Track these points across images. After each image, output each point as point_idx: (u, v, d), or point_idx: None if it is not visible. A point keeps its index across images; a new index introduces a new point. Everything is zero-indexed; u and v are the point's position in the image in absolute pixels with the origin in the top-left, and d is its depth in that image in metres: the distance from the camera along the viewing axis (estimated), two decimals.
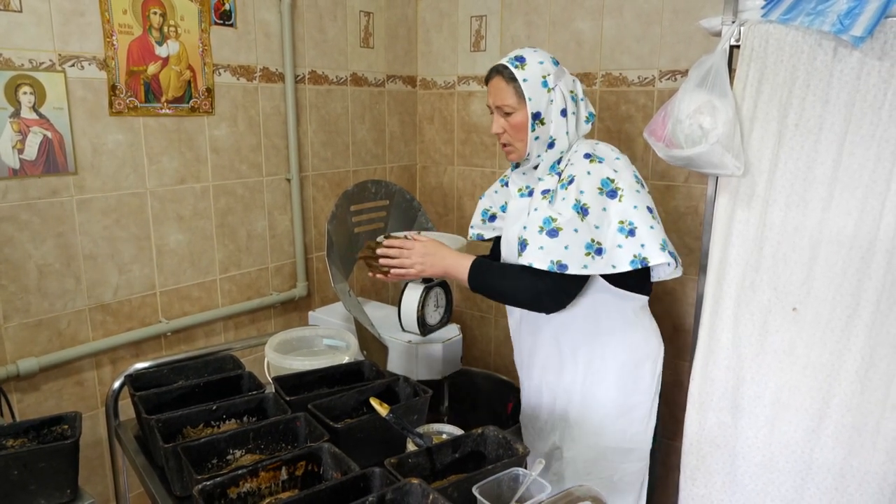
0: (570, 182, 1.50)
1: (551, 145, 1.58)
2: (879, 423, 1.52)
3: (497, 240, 1.87)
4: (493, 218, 1.85)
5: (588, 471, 1.69)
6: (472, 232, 1.91)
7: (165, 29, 2.00)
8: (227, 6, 2.16)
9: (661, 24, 2.29)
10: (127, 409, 1.45)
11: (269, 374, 1.59)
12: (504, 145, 1.62)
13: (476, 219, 1.88)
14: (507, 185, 1.79)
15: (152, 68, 1.98)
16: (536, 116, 1.54)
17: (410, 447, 1.24)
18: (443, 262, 1.63)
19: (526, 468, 1.13)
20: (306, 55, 2.44)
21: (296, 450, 1.12)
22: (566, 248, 1.45)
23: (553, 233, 1.45)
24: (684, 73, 2.26)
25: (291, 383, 1.41)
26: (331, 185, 2.62)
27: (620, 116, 2.44)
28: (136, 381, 1.42)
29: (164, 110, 2.03)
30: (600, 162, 1.53)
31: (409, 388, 1.43)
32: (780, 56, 1.55)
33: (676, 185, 2.36)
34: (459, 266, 1.61)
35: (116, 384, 1.45)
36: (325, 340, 1.77)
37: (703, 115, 1.56)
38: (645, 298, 1.68)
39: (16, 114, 1.72)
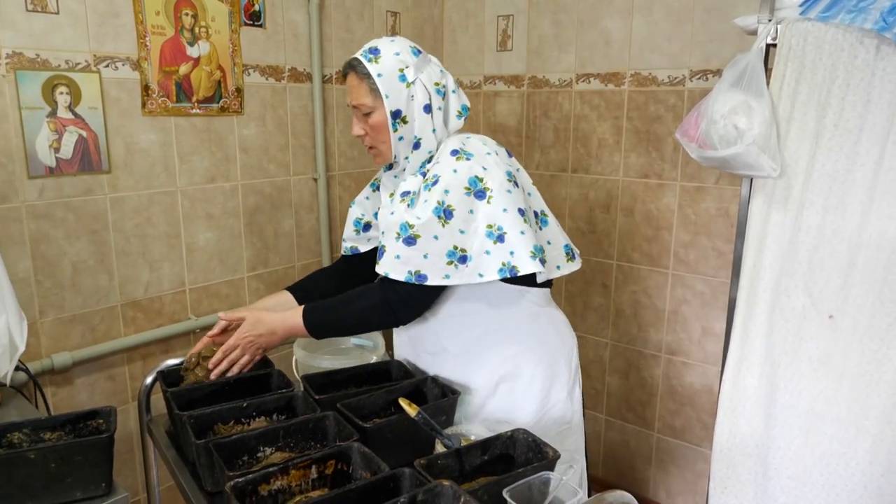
0: (435, 182, 1.35)
1: (417, 145, 1.42)
2: None
3: (365, 254, 1.66)
4: (367, 227, 1.65)
5: None
6: (345, 246, 1.69)
7: (197, 30, 2.02)
8: (256, 7, 2.18)
9: (692, 23, 2.26)
10: (157, 404, 1.47)
11: (297, 373, 1.60)
12: (369, 148, 1.48)
13: (348, 230, 1.67)
14: (378, 189, 1.62)
15: (184, 69, 2.01)
16: (397, 115, 1.39)
17: (439, 448, 1.23)
18: (274, 334, 1.43)
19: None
20: (333, 55, 2.45)
21: (325, 448, 1.12)
22: (425, 256, 1.32)
23: (410, 240, 1.32)
24: (716, 73, 2.23)
25: (320, 382, 1.41)
26: (357, 184, 2.63)
27: (649, 117, 2.41)
28: (167, 377, 1.43)
29: (194, 110, 2.05)
30: (468, 159, 1.36)
31: (437, 388, 1.42)
32: (819, 54, 1.52)
33: (707, 186, 2.32)
34: (291, 322, 1.42)
35: (148, 380, 1.46)
36: (352, 340, 1.78)
37: (738, 116, 1.53)
38: (546, 291, 1.52)
39: (52, 113, 1.75)
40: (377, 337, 1.71)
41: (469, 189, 1.35)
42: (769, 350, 1.67)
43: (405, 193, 1.39)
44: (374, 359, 1.57)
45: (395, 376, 1.52)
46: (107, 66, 1.84)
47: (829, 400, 1.59)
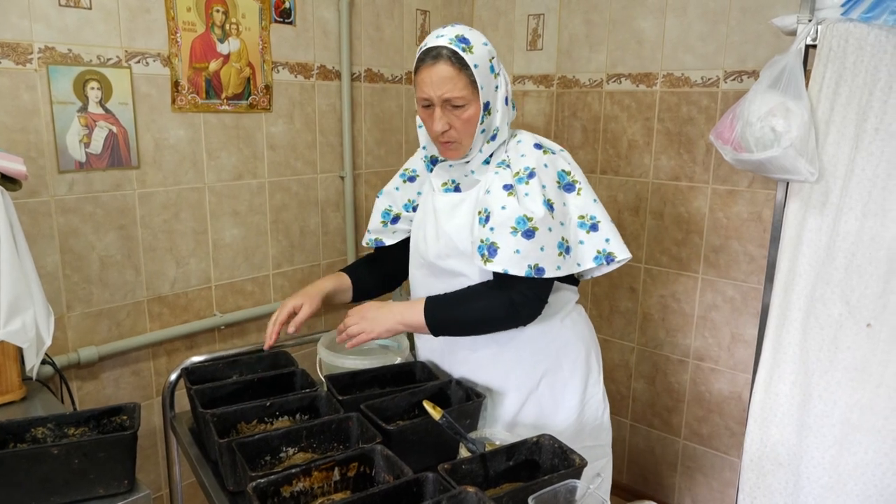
0: (531, 176, 1.34)
1: (493, 137, 1.39)
2: None
3: (396, 246, 1.61)
4: (395, 220, 1.58)
5: None
6: (368, 237, 1.63)
7: (227, 26, 2.03)
8: (286, 4, 2.18)
9: (727, 23, 2.21)
10: (181, 401, 1.47)
11: (320, 372, 1.59)
12: (447, 143, 1.38)
13: (374, 222, 1.60)
14: (411, 179, 1.58)
15: (213, 65, 2.01)
16: (486, 107, 1.35)
17: (463, 452, 1.22)
18: (389, 317, 1.39)
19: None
20: (362, 53, 2.44)
21: (349, 450, 1.11)
22: (542, 249, 1.30)
23: (530, 233, 1.29)
24: (751, 74, 2.17)
25: (344, 382, 1.40)
26: (383, 183, 2.58)
27: (681, 118, 2.37)
28: (191, 375, 1.43)
29: (223, 107, 2.06)
30: (553, 153, 1.39)
31: (461, 391, 1.41)
32: (861, 56, 1.47)
33: (739, 189, 2.27)
34: (411, 311, 1.38)
35: (173, 377, 1.47)
36: (376, 340, 1.76)
37: (775, 118, 1.49)
38: (576, 287, 1.53)
39: (83, 108, 1.77)
40: (401, 338, 1.69)
41: (559, 183, 1.38)
42: (803, 358, 1.62)
43: (508, 187, 1.34)
44: (398, 360, 1.56)
45: (419, 378, 1.51)
46: (137, 61, 1.85)
47: (866, 410, 1.54)
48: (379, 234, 1.61)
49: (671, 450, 2.63)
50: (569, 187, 1.39)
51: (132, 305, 1.95)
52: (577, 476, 1.11)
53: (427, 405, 1.21)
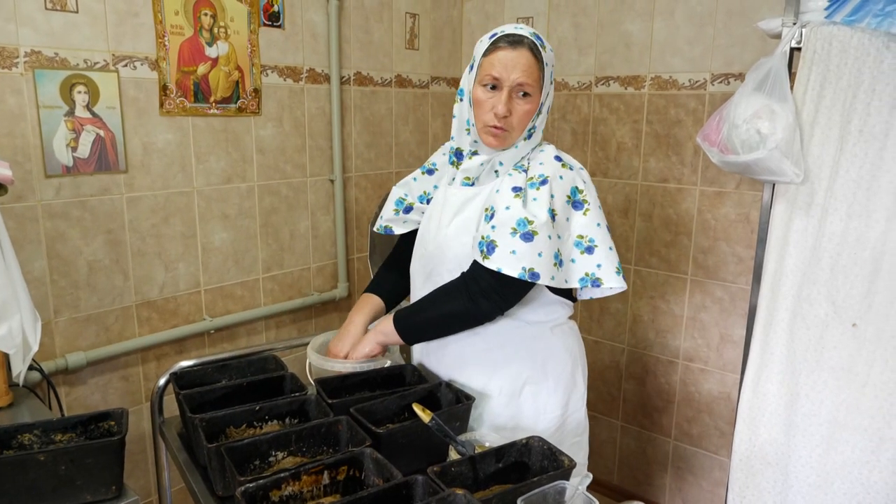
0: (543, 183, 1.35)
1: (529, 137, 1.41)
2: None
3: (405, 251, 1.63)
4: (408, 209, 1.59)
5: None
6: (379, 224, 1.64)
7: (215, 30, 2.02)
8: (275, 7, 2.18)
9: (714, 26, 2.23)
10: (170, 406, 1.46)
11: (310, 376, 1.59)
12: (498, 129, 1.37)
13: (387, 209, 1.62)
14: (430, 172, 1.59)
15: (202, 69, 2.01)
16: (541, 106, 1.39)
17: (452, 455, 1.22)
18: (365, 339, 1.49)
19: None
20: (352, 56, 2.44)
21: (338, 454, 1.11)
22: (539, 254, 1.29)
23: (528, 236, 1.29)
24: (738, 77, 2.19)
25: (333, 386, 1.40)
26: (373, 186, 2.62)
27: (669, 121, 2.38)
28: (180, 379, 1.43)
29: (212, 110, 2.06)
30: (570, 169, 1.40)
31: (451, 393, 1.41)
32: (845, 59, 1.49)
33: (727, 191, 2.28)
34: (385, 321, 1.46)
35: (161, 381, 1.46)
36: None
37: (761, 120, 1.50)
38: (573, 304, 1.53)
39: (70, 112, 1.76)
40: None
41: (569, 198, 1.37)
42: (790, 358, 1.63)
43: (517, 189, 1.35)
44: (387, 363, 1.56)
45: (408, 381, 1.51)
46: (125, 65, 1.84)
47: (852, 409, 1.55)
48: (390, 222, 1.62)
49: (661, 450, 2.64)
50: (577, 205, 1.38)
51: (120, 310, 1.94)
52: (566, 477, 1.11)
53: (416, 408, 1.21)
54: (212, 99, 2.05)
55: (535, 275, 1.29)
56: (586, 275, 1.36)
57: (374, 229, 1.67)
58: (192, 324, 2.11)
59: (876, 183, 1.48)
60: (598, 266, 1.36)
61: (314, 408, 1.32)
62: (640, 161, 2.49)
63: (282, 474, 1.02)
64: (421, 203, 1.59)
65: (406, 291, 1.66)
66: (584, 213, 1.38)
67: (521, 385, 1.47)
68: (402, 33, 2.62)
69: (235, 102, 2.11)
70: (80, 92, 1.77)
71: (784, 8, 1.59)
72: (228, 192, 2.15)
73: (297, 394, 1.36)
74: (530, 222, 1.30)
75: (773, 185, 1.64)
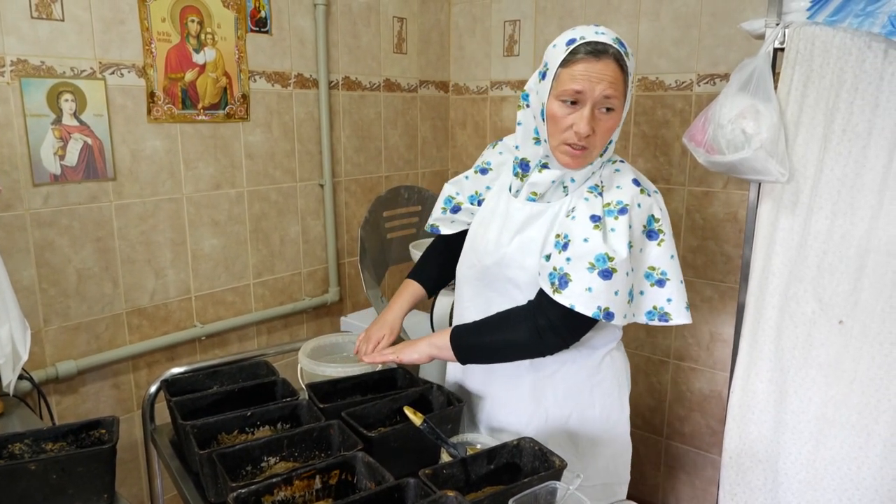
0: (622, 212, 1.24)
1: (604, 153, 1.30)
2: None
3: (452, 237, 1.55)
4: (456, 209, 1.50)
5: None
6: (428, 223, 1.57)
7: (202, 36, 2.02)
8: (262, 13, 2.18)
9: (699, 27, 2.25)
10: (162, 413, 1.46)
11: (301, 381, 1.59)
12: (581, 148, 1.24)
13: (436, 208, 1.53)
14: (483, 172, 1.48)
15: (189, 75, 2.01)
16: (621, 119, 1.26)
17: (444, 457, 1.22)
18: (420, 342, 1.40)
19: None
20: (340, 61, 2.45)
21: (330, 458, 1.11)
22: (616, 293, 1.21)
23: (607, 274, 1.20)
24: (723, 77, 2.21)
25: (325, 390, 1.40)
26: (363, 190, 2.62)
27: (657, 121, 2.40)
28: (171, 386, 1.43)
29: (200, 117, 2.06)
30: (649, 195, 1.28)
31: (442, 396, 1.41)
32: (827, 59, 1.50)
33: (715, 190, 2.30)
34: (440, 335, 1.38)
35: (153, 389, 1.46)
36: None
37: (746, 120, 1.52)
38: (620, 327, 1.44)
39: (57, 121, 1.75)
40: None
41: (645, 227, 1.27)
42: (778, 355, 1.65)
43: (595, 219, 1.24)
44: (378, 366, 1.56)
45: (400, 384, 1.51)
46: (112, 73, 1.84)
47: (840, 405, 1.57)
48: (438, 221, 1.54)
49: (654, 449, 2.65)
50: (652, 234, 1.28)
51: (111, 318, 1.94)
52: (557, 477, 1.12)
53: (408, 411, 1.22)
54: (200, 105, 2.05)
55: (609, 315, 1.21)
56: (654, 308, 1.29)
57: (426, 228, 1.60)
58: (182, 330, 2.11)
59: (860, 181, 1.49)
60: (669, 301, 1.28)
61: (306, 413, 1.32)
62: (628, 161, 2.50)
63: (273, 479, 1.02)
64: (471, 203, 1.49)
65: (448, 279, 1.61)
66: (659, 244, 1.28)
67: (569, 413, 1.43)
68: (390, 37, 2.63)
69: (224, 108, 2.11)
70: (67, 100, 1.76)
71: (767, 9, 1.60)
72: (218, 198, 2.15)
73: (288, 399, 1.36)
74: (610, 259, 1.20)
75: (759, 184, 1.66)
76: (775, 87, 1.57)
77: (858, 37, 1.45)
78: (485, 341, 1.34)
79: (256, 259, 2.30)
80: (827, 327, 1.56)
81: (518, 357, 1.37)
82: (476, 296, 1.43)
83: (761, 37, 1.62)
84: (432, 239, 1.68)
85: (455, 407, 1.36)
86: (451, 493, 0.98)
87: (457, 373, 1.56)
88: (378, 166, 2.68)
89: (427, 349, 1.39)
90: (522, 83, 2.75)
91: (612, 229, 1.23)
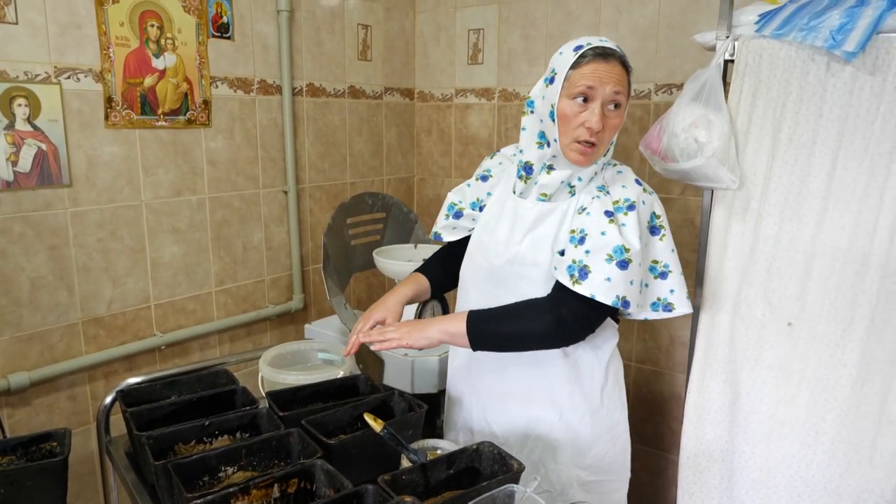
0: (630, 208, 1.33)
1: (606, 153, 1.40)
2: (875, 439, 1.51)
3: (454, 244, 1.60)
4: (458, 215, 1.55)
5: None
6: (433, 230, 1.62)
7: (163, 41, 2.00)
8: (224, 19, 2.16)
9: (656, 39, 2.30)
10: (119, 425, 1.44)
11: (262, 389, 1.58)
12: (590, 145, 1.32)
13: (441, 216, 1.59)
14: (483, 179, 1.55)
15: (149, 80, 1.98)
16: (623, 119, 1.36)
17: (405, 463, 1.23)
18: (430, 326, 1.36)
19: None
20: (304, 67, 2.44)
21: (288, 467, 1.11)
22: (631, 283, 1.28)
23: (624, 264, 1.27)
24: (679, 87, 2.27)
25: (285, 398, 1.40)
26: (328, 197, 2.62)
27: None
28: (127, 397, 1.41)
29: (160, 122, 2.03)
30: (650, 194, 1.40)
31: (404, 402, 1.42)
32: (774, 71, 1.56)
33: (673, 197, 2.36)
34: (453, 321, 1.36)
35: (108, 400, 1.44)
36: (319, 354, 1.76)
37: (698, 129, 1.56)
38: (617, 328, 1.54)
39: (10, 126, 1.72)
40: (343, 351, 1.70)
41: (649, 223, 1.38)
42: (732, 357, 1.69)
43: (609, 214, 1.32)
44: (340, 374, 1.56)
45: (361, 391, 1.52)
46: (68, 77, 1.81)
47: (790, 405, 1.62)
48: (441, 229, 1.59)
49: None
50: (655, 230, 1.38)
51: (65, 328, 1.90)
52: (515, 481, 1.14)
53: (368, 418, 1.22)
54: (160, 111, 2.02)
55: (626, 303, 1.28)
56: (658, 300, 1.38)
57: (430, 235, 1.64)
58: (141, 340, 2.07)
59: (805, 188, 1.55)
60: (672, 291, 1.37)
61: (265, 421, 1.31)
62: None
63: (230, 489, 1.02)
64: (472, 209, 1.54)
65: (452, 286, 1.62)
66: (661, 239, 1.38)
67: (581, 415, 1.47)
68: (355, 44, 2.63)
69: (184, 114, 2.09)
70: (20, 105, 1.73)
71: (718, 22, 1.65)
72: (178, 204, 2.12)
73: (247, 407, 1.36)
74: (627, 250, 1.28)
75: (712, 191, 1.71)
76: (726, 98, 1.62)
77: (803, 50, 1.51)
78: (504, 330, 1.35)
79: (218, 266, 2.27)
80: (776, 329, 1.62)
81: (534, 347, 1.39)
82: (484, 296, 1.45)
83: (713, 49, 1.67)
84: (398, 246, 1.69)
85: (416, 412, 1.37)
86: (408, 499, 0.99)
87: (461, 373, 1.57)
88: (343, 173, 2.67)
89: (438, 335, 1.36)
90: (487, 91, 2.78)
91: (624, 224, 1.32)
